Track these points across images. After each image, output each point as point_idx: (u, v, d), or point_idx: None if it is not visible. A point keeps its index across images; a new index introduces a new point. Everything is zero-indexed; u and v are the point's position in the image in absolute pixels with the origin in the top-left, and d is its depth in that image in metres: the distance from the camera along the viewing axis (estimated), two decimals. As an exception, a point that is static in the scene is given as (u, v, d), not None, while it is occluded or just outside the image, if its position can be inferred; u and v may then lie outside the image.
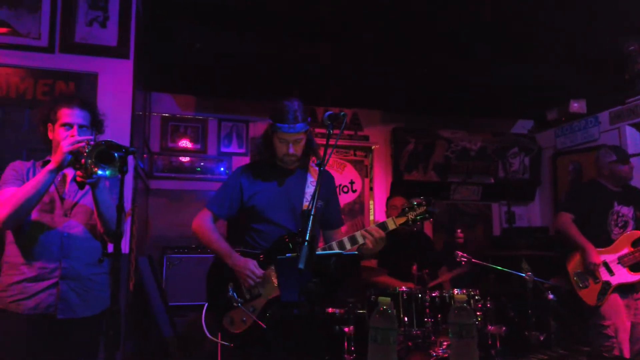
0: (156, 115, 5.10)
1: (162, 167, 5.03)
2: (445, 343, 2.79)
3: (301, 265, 1.47)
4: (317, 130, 5.08)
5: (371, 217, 5.70)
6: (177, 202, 5.03)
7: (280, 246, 2.31)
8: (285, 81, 4.80)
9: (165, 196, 5.02)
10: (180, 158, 5.14)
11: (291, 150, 2.34)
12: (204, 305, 3.99)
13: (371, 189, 5.76)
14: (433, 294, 3.00)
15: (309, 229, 1.59)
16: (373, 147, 5.78)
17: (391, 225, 2.24)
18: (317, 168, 2.57)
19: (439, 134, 5.72)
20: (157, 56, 4.24)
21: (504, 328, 2.80)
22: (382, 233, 2.19)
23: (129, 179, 3.22)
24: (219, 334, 2.31)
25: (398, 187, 5.33)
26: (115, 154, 1.99)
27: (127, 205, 3.18)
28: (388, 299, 1.39)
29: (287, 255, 1.72)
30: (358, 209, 5.71)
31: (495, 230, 6.04)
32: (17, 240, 2.20)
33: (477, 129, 5.95)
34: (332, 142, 1.95)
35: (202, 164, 5.17)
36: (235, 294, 2.25)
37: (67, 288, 2.18)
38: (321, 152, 2.56)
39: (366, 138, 5.77)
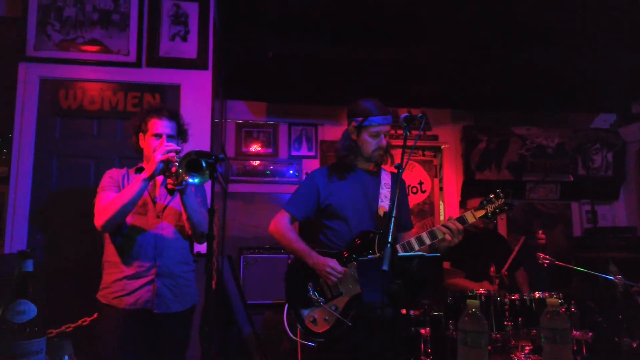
0: (230, 121, 5.32)
1: (237, 171, 5.25)
2: (527, 348, 2.70)
3: (385, 267, 1.49)
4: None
5: (441, 218, 5.60)
6: (251, 205, 5.23)
7: (358, 245, 2.34)
8: (352, 84, 4.85)
9: (240, 199, 5.23)
10: (253, 162, 5.33)
11: (383, 142, 2.40)
12: (279, 303, 4.10)
13: (441, 189, 5.66)
14: (512, 297, 2.92)
15: (392, 230, 1.61)
16: (442, 147, 5.68)
17: (470, 219, 2.24)
18: (388, 171, 2.60)
19: (513, 131, 5.51)
20: (232, 65, 4.44)
21: (590, 334, 2.67)
22: (460, 226, 2.20)
23: (210, 183, 3.39)
24: (299, 332, 2.37)
25: (469, 187, 5.20)
26: (203, 163, 2.12)
27: (209, 208, 3.37)
28: (476, 302, 1.38)
29: (369, 256, 1.75)
30: (428, 209, 5.63)
31: (576, 231, 5.72)
32: (115, 241, 2.38)
33: (554, 124, 5.67)
34: (409, 143, 1.96)
35: (271, 167, 5.33)
36: (316, 293, 2.30)
37: (161, 285, 2.34)
38: (393, 153, 2.59)
39: (435, 137, 5.68)
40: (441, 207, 5.63)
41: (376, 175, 2.54)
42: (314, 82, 4.90)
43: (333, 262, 2.30)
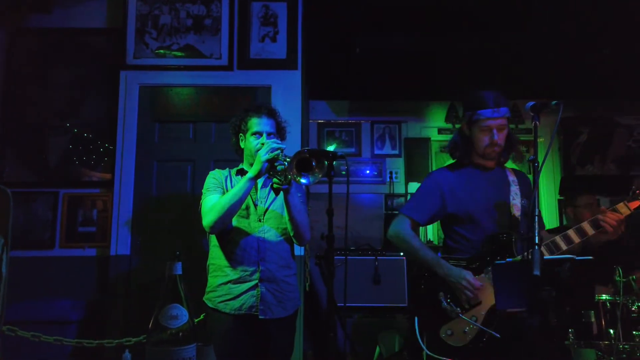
0: (312, 122, 5.28)
1: (319, 171, 5.20)
2: (663, 362, 2.40)
3: (536, 272, 1.33)
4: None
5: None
6: (334, 205, 5.14)
7: (494, 249, 2.13)
8: (436, 77, 4.66)
9: (323, 199, 5.16)
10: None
11: (496, 138, 2.16)
12: (366, 307, 3.96)
13: (536, 186, 5.29)
14: (640, 303, 2.62)
15: (537, 230, 1.44)
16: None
17: (623, 210, 2.01)
18: (509, 168, 2.39)
19: (617, 121, 5.07)
20: (315, 64, 4.38)
21: None
22: (620, 216, 1.98)
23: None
24: (425, 343, 2.18)
25: (571, 183, 4.81)
26: (313, 162, 2.03)
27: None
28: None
29: (509, 259, 1.58)
30: (520, 208, 5.29)
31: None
32: (220, 244, 2.35)
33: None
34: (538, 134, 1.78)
35: (346, 167, 5.20)
36: (452, 304, 2.10)
37: (265, 290, 2.27)
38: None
39: (529, 130, 5.32)
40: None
41: (501, 172, 2.32)
42: (397, 77, 4.76)
43: (469, 275, 2.09)
